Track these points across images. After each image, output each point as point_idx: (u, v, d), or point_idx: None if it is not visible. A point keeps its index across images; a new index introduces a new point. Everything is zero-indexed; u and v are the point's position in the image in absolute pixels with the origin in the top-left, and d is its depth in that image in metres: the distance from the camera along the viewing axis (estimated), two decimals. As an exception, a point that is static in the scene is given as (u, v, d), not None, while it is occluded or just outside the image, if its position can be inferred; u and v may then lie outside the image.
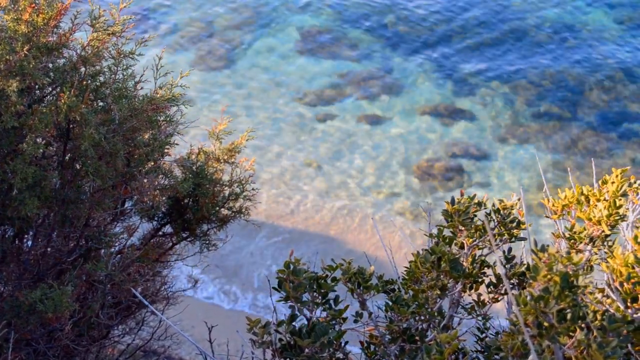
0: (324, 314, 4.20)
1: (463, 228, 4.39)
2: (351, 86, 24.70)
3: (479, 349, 4.46)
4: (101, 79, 6.12)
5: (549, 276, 3.11)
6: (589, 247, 4.35)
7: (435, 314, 4.32)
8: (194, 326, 13.11)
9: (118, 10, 6.03)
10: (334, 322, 4.16)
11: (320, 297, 4.16)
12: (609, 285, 3.59)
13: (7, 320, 5.76)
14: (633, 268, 3.43)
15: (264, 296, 17.16)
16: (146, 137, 6.40)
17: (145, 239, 7.54)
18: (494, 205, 4.47)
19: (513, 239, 4.50)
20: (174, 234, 7.62)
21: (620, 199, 4.30)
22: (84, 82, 5.91)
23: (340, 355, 4.26)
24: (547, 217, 4.57)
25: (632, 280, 3.39)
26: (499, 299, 4.62)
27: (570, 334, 3.11)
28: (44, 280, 6.19)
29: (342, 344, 4.22)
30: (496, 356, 3.61)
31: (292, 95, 24.29)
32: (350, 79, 25.06)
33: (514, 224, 4.45)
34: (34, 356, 6.39)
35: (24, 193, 5.65)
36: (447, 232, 4.47)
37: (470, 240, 4.42)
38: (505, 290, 4.55)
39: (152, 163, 6.50)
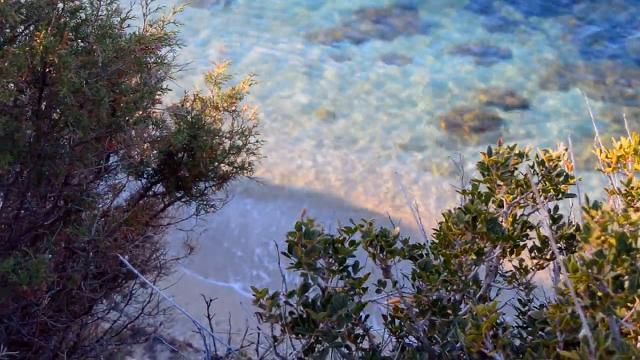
0: (341, 283, 4.20)
1: (502, 183, 4.37)
2: (369, 23, 24.61)
3: (521, 323, 4.46)
4: (82, 15, 6.09)
5: (602, 237, 3.09)
6: (648, 205, 4.33)
7: (470, 282, 4.32)
8: (188, 303, 13.19)
9: None
10: (352, 292, 4.16)
11: (336, 264, 4.16)
12: (672, 249, 3.58)
13: (-24, 294, 5.80)
14: (701, 228, 3.41)
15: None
16: (134, 82, 6.38)
17: (134, 199, 7.56)
18: (537, 156, 4.43)
19: (560, 196, 4.48)
20: (166, 193, 7.63)
21: (686, 149, 4.28)
22: (62, 20, 5.89)
23: (360, 331, 4.27)
24: (599, 170, 4.55)
25: (700, 243, 3.38)
26: (544, 265, 4.62)
27: (629, 304, 3.10)
28: (17, 248, 6.22)
29: (362, 318, 4.23)
30: (541, 332, 3.61)
31: (301, 33, 24.23)
32: (368, 15, 24.97)
33: (561, 178, 4.42)
34: (5, 334, 6.44)
35: (-6, 147, 5.66)
36: (482, 188, 4.45)
37: (511, 197, 4.40)
38: (552, 254, 4.54)
39: (141, 112, 6.49)
